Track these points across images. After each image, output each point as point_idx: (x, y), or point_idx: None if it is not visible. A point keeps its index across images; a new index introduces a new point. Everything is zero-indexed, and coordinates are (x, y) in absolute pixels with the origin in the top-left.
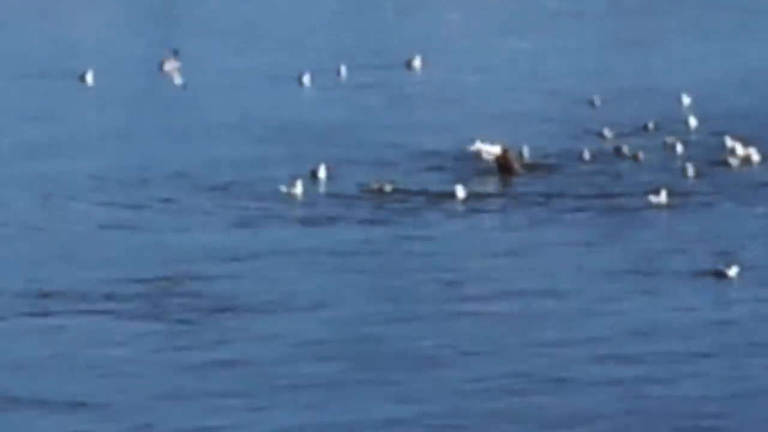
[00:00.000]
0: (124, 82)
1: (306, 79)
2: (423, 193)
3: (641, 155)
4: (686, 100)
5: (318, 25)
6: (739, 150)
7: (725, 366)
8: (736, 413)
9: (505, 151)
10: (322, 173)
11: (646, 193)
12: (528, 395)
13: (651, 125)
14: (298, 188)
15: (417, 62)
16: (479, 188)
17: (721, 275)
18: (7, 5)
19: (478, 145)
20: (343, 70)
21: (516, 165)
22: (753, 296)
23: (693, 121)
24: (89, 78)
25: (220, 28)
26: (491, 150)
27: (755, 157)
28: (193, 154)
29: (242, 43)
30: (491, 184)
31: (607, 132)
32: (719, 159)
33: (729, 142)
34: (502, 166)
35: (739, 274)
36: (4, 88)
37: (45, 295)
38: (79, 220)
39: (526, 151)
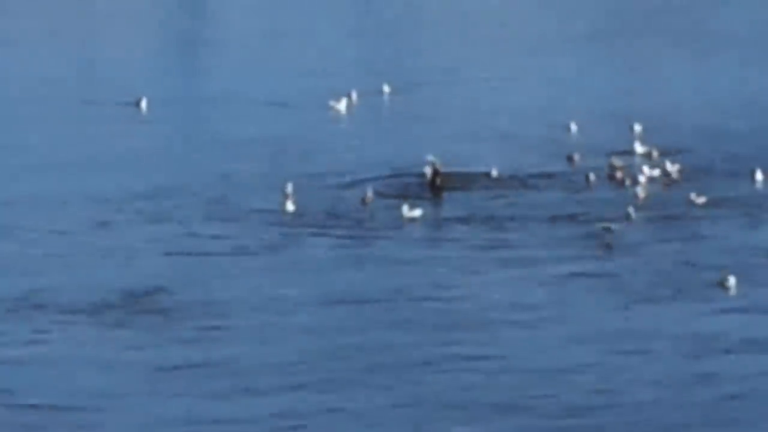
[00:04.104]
0: (172, 107)
1: (342, 105)
2: (394, 207)
3: (626, 178)
4: (637, 128)
5: (335, 49)
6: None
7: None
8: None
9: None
10: (289, 189)
11: (618, 212)
12: (493, 396)
13: (638, 150)
14: (289, 205)
15: (386, 88)
16: (442, 206)
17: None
18: (38, 29)
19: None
20: (354, 95)
21: (441, 182)
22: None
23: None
24: (143, 104)
25: (245, 48)
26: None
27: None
28: (198, 171)
29: (266, 62)
30: (455, 203)
31: (577, 156)
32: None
33: (669, 166)
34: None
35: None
36: (68, 114)
37: (32, 303)
38: (71, 232)
39: (494, 171)
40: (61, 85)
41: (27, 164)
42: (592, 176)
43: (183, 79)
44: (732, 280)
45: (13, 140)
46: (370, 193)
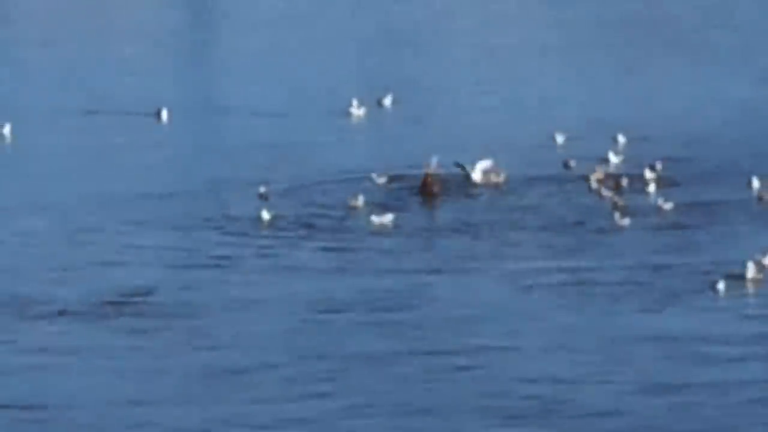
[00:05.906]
0: (192, 117)
1: (361, 112)
2: (379, 214)
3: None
4: (621, 138)
5: (343, 58)
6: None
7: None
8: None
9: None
10: (265, 196)
11: (607, 219)
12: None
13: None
14: (264, 213)
15: (386, 98)
16: (434, 212)
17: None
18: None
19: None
20: (355, 103)
21: (435, 188)
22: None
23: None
24: (164, 115)
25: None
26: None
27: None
28: (200, 180)
29: (277, 72)
30: (446, 209)
31: (572, 163)
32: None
33: (648, 173)
34: (424, 188)
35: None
36: (84, 124)
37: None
38: (63, 237)
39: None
40: (76, 95)
41: (31, 170)
42: (594, 184)
43: (200, 89)
44: (722, 285)
45: (26, 147)
46: (360, 200)
